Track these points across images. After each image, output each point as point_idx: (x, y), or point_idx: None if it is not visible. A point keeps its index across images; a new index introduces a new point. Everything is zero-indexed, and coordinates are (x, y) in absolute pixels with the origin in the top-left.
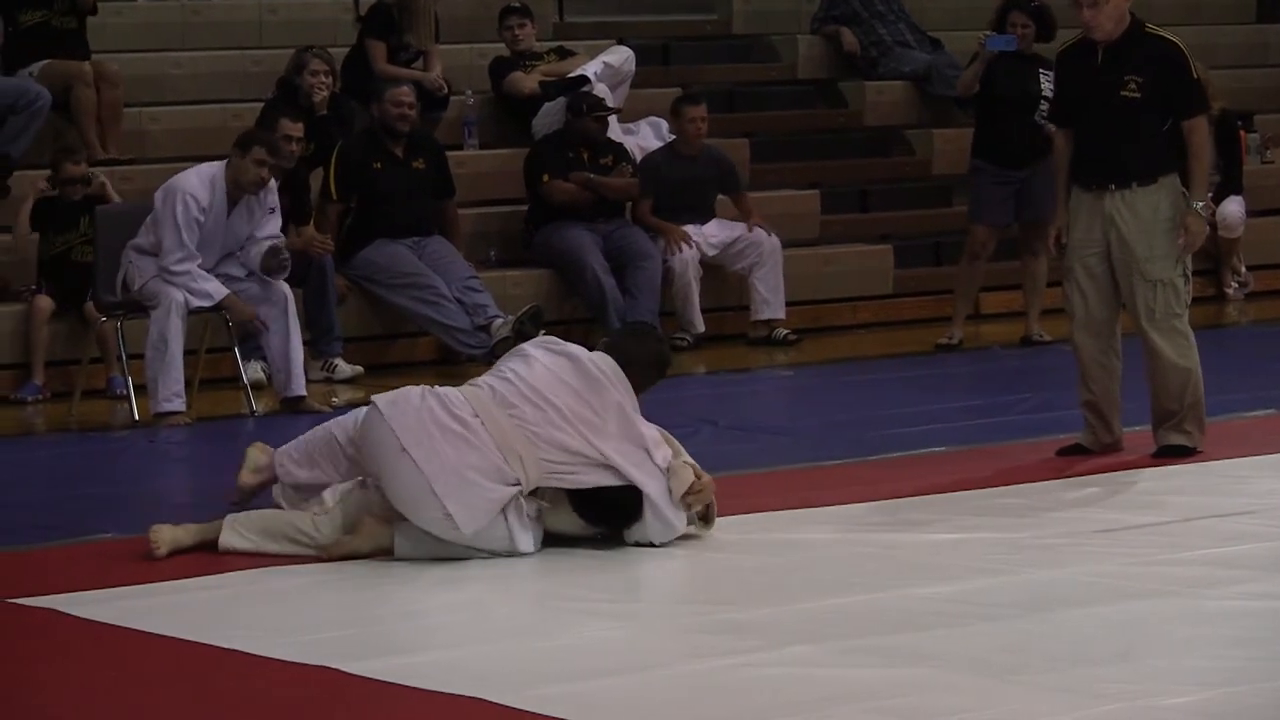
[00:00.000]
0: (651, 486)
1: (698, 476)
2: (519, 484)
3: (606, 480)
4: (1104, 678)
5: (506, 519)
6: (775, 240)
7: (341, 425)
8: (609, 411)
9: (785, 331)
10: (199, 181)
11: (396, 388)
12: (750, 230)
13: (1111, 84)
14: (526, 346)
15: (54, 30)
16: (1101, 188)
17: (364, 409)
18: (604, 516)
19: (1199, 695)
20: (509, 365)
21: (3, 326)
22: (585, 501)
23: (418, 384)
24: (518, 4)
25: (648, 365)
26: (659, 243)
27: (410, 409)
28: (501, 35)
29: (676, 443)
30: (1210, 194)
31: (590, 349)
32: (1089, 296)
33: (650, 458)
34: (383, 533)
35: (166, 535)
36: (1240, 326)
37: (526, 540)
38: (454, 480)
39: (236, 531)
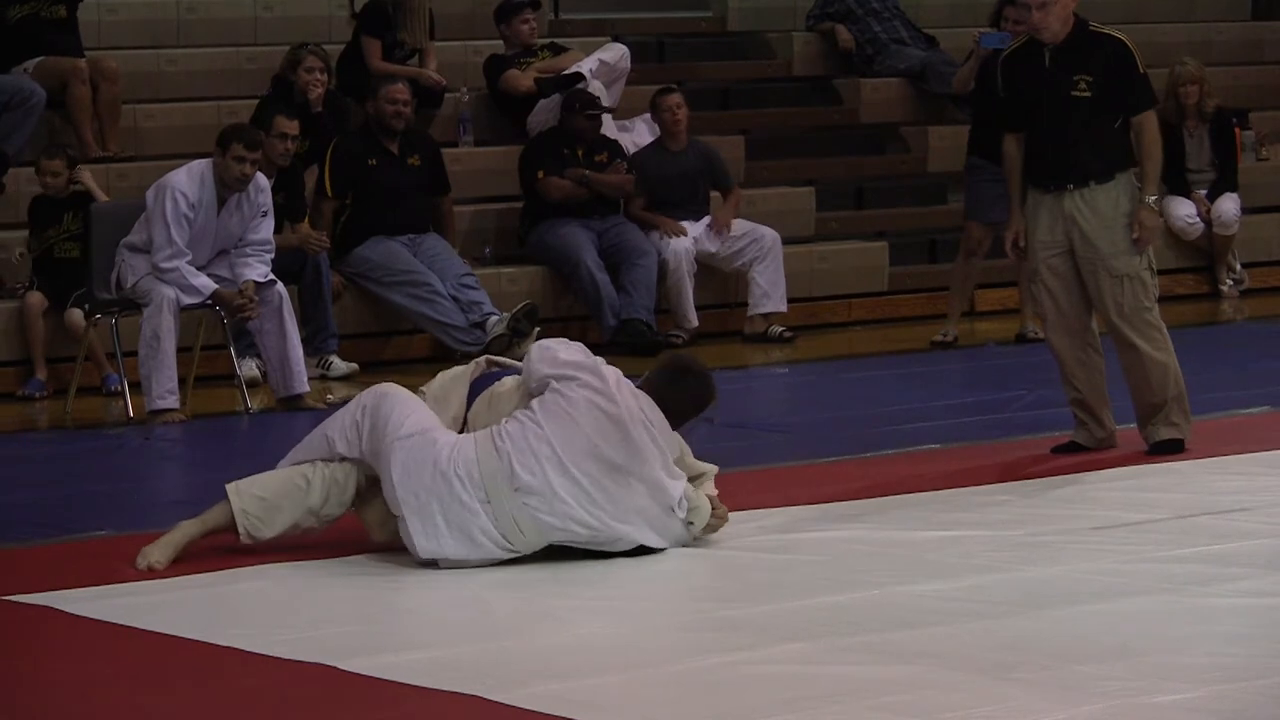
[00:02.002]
0: (655, 540)
1: (714, 506)
2: (517, 551)
3: (613, 548)
4: (1100, 675)
5: None
6: (775, 234)
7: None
8: (641, 475)
9: (781, 329)
10: (188, 178)
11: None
12: (719, 233)
13: (1062, 84)
14: (575, 391)
15: (43, 22)
16: (1060, 188)
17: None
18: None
19: (1195, 692)
20: (546, 417)
21: None
22: None
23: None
24: None
25: (687, 407)
26: (652, 235)
27: (421, 485)
28: (514, 28)
29: (696, 463)
30: (1205, 191)
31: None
32: (1058, 296)
33: (673, 513)
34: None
35: (156, 555)
36: (1235, 324)
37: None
38: (452, 558)
39: (253, 520)
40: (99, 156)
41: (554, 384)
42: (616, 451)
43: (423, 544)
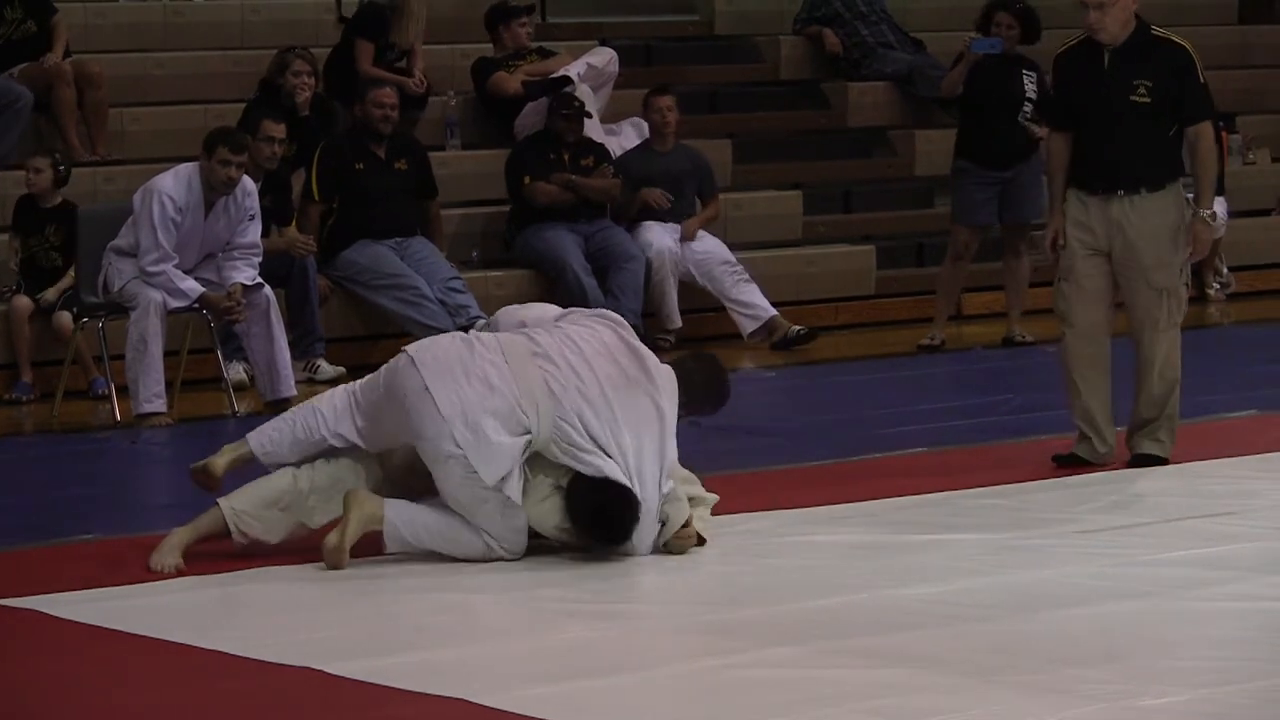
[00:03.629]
0: (638, 488)
1: (686, 525)
2: (530, 434)
3: (610, 472)
4: (1088, 678)
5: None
6: (719, 252)
7: (328, 417)
8: (645, 408)
9: (799, 329)
10: (175, 182)
11: None
12: (686, 240)
13: (1120, 88)
14: (597, 323)
15: (15, 43)
16: (1109, 193)
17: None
18: (592, 524)
19: (1183, 695)
20: (570, 322)
21: None
22: (579, 503)
23: None
24: (523, 3)
25: (705, 391)
26: (638, 237)
27: (439, 348)
28: (511, 31)
29: (698, 486)
30: (1192, 195)
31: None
32: (1087, 299)
33: (659, 475)
34: (373, 510)
35: (170, 559)
36: (1222, 327)
37: (517, 491)
38: (473, 432)
39: (243, 520)
40: (85, 160)
41: (574, 319)
42: (631, 367)
43: (443, 403)
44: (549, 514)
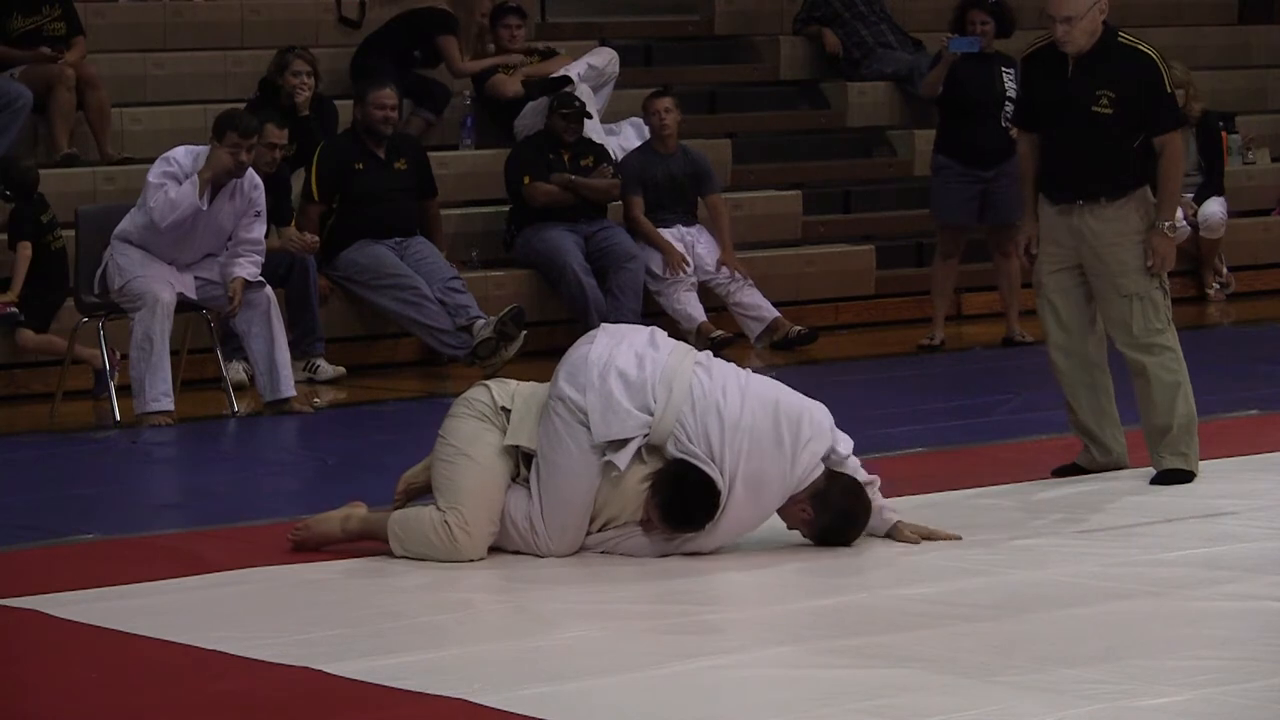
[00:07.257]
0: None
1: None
2: (651, 416)
3: (711, 473)
4: (1086, 678)
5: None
6: (726, 274)
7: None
8: (771, 475)
9: (799, 329)
10: (184, 152)
11: (379, 388)
12: (720, 270)
13: (1082, 98)
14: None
15: (44, 37)
16: (1070, 202)
17: None
18: (671, 499)
19: (1181, 696)
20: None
21: None
22: (667, 474)
23: (401, 386)
24: (514, 4)
25: (831, 512)
26: (647, 252)
27: (628, 327)
28: (496, 34)
29: None
30: (1192, 195)
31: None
32: (1060, 312)
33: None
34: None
35: (317, 532)
36: (1222, 327)
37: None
38: (601, 381)
39: (397, 539)
40: (59, 160)
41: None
42: (786, 438)
43: (596, 354)
44: (635, 498)
